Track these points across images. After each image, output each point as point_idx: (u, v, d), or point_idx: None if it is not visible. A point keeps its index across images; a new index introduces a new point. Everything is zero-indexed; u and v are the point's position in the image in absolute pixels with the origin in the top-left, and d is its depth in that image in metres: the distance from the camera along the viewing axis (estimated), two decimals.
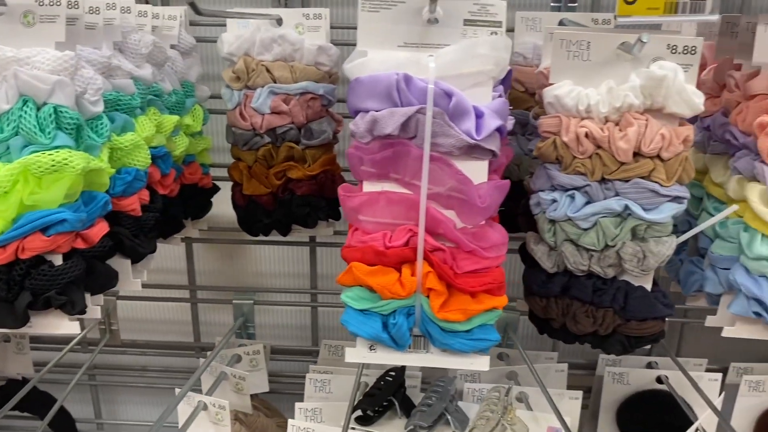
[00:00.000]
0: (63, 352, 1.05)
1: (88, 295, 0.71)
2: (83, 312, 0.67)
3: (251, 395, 1.07)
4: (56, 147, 0.62)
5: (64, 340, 1.11)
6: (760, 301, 0.68)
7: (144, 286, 1.17)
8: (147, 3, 0.90)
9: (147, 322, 1.31)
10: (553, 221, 0.67)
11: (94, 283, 0.70)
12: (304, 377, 1.00)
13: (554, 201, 0.66)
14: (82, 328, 1.16)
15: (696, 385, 0.93)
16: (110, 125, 0.69)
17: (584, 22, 0.89)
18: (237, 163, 0.92)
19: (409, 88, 0.59)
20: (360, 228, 0.63)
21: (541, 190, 0.67)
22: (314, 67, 0.88)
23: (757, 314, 0.68)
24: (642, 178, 0.63)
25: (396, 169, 0.61)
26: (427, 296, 0.62)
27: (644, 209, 0.64)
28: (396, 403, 0.93)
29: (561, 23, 0.89)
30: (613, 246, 0.66)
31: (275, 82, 0.86)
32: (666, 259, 0.66)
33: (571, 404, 0.99)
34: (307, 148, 0.89)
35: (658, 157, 0.63)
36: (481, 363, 0.64)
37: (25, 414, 1.14)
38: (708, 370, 1.07)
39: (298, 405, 0.94)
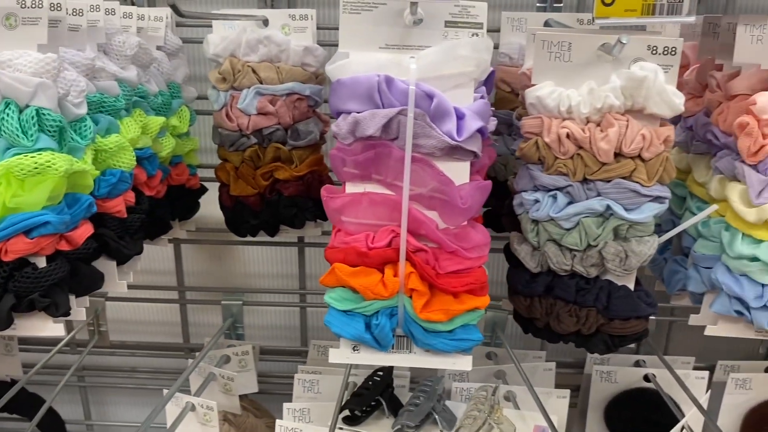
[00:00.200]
0: (51, 353, 1.05)
1: (72, 297, 0.71)
2: (67, 314, 0.67)
3: (240, 396, 1.07)
4: (39, 149, 0.62)
5: (53, 341, 1.11)
6: (741, 300, 0.68)
7: (133, 287, 1.17)
8: (133, 4, 0.90)
9: (136, 324, 1.31)
10: (536, 221, 0.68)
11: (78, 285, 0.70)
12: (293, 377, 1.00)
13: (537, 201, 0.66)
14: (70, 329, 1.16)
15: (682, 383, 0.94)
16: (94, 127, 0.69)
17: (570, 22, 0.90)
18: (224, 164, 0.92)
19: (390, 89, 0.59)
20: (343, 229, 0.63)
21: (524, 191, 0.68)
22: (300, 68, 0.88)
23: (739, 313, 0.69)
24: (623, 178, 0.63)
25: (378, 170, 0.61)
26: (410, 297, 0.62)
27: (626, 209, 0.64)
28: (384, 403, 0.93)
29: (546, 24, 0.90)
30: (596, 246, 0.66)
31: (261, 83, 0.86)
32: (648, 259, 0.66)
33: (559, 403, 1.00)
34: (293, 148, 0.89)
35: (639, 157, 0.63)
36: (464, 363, 0.65)
37: (14, 416, 1.14)
38: (695, 368, 1.08)
39: (286, 405, 0.94)
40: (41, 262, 0.65)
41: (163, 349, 1.29)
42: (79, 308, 0.72)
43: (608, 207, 0.64)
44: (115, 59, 0.77)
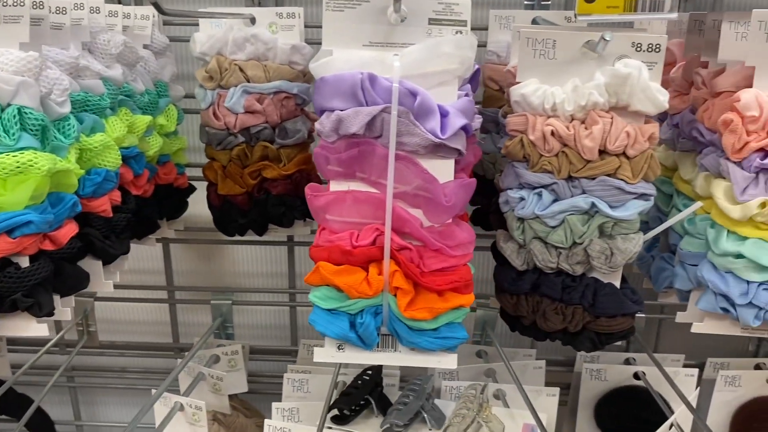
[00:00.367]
0: (39, 354, 1.05)
1: (57, 297, 0.70)
2: (51, 314, 0.67)
3: (231, 395, 1.07)
4: (21, 148, 0.61)
5: (41, 341, 1.10)
6: (726, 297, 0.68)
7: (122, 287, 1.17)
8: (120, 3, 0.90)
9: (125, 323, 1.30)
10: (521, 219, 0.68)
11: (63, 285, 0.70)
12: (283, 377, 1.00)
13: (522, 199, 0.66)
14: (58, 330, 1.16)
15: (671, 381, 0.94)
16: (78, 126, 0.69)
17: (557, 20, 0.90)
18: (211, 163, 0.91)
19: (373, 87, 0.59)
20: (327, 227, 0.63)
21: (510, 189, 0.68)
22: (288, 66, 0.87)
23: (725, 310, 0.69)
24: (608, 175, 0.63)
25: (362, 168, 0.61)
26: (394, 295, 0.62)
27: (610, 206, 0.64)
28: (372, 402, 0.93)
29: (534, 21, 0.89)
30: (581, 243, 0.66)
31: (249, 82, 0.86)
32: (633, 256, 0.66)
33: (548, 401, 1.00)
34: (281, 147, 0.89)
35: (624, 154, 0.63)
36: (449, 361, 0.64)
37: (2, 416, 1.13)
38: (685, 366, 1.08)
39: (275, 405, 0.94)
40: (24, 262, 0.64)
41: (152, 349, 1.29)
42: (64, 308, 0.71)
43: (593, 204, 0.64)
44: (100, 58, 0.77)
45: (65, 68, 0.69)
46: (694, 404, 0.88)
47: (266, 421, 0.88)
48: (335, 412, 0.90)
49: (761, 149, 0.62)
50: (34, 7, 0.64)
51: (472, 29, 0.99)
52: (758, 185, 0.63)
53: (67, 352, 1.25)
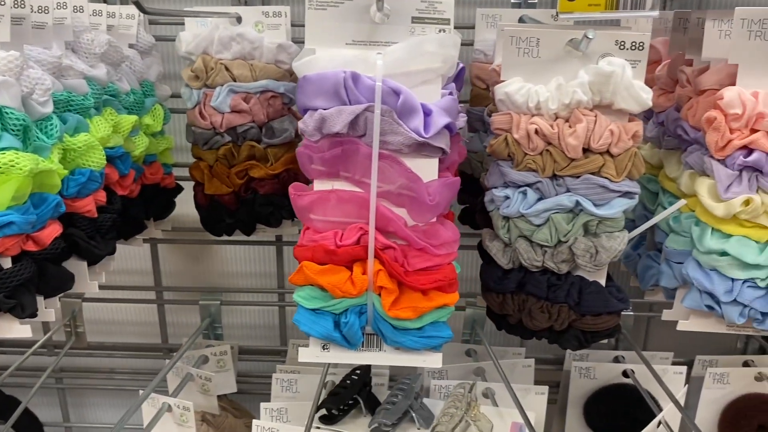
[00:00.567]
0: (26, 355, 1.04)
1: (41, 298, 0.70)
2: (34, 315, 0.66)
3: (220, 396, 1.07)
4: (2, 149, 0.61)
5: (29, 343, 1.10)
6: (711, 295, 0.68)
7: (110, 287, 1.17)
8: (105, 2, 0.89)
9: (114, 324, 1.30)
10: (506, 218, 0.67)
11: (46, 286, 0.70)
12: (272, 377, 1.00)
13: (507, 198, 0.66)
14: (46, 331, 1.15)
15: (659, 379, 0.94)
16: (62, 126, 0.69)
17: (544, 18, 0.90)
18: (198, 163, 0.91)
19: (356, 86, 0.58)
20: (311, 227, 0.63)
21: (495, 187, 0.68)
22: (274, 66, 0.87)
23: (710, 307, 0.69)
24: (592, 173, 0.63)
25: (346, 167, 0.61)
26: (379, 294, 0.62)
27: (595, 205, 0.64)
28: (361, 402, 0.93)
29: (521, 20, 0.90)
30: (566, 242, 0.66)
31: (235, 81, 0.85)
32: (618, 254, 0.66)
33: (537, 399, 1.00)
34: (268, 146, 0.89)
35: (608, 152, 0.63)
36: (434, 360, 0.64)
37: None
38: (674, 363, 1.08)
39: (263, 405, 0.94)
40: (6, 263, 0.64)
41: (141, 350, 1.28)
42: (48, 309, 0.71)
43: (577, 203, 0.64)
44: (84, 57, 0.77)
45: (47, 68, 0.68)
46: (682, 402, 0.88)
47: (254, 421, 0.88)
48: (323, 411, 0.90)
49: (744, 147, 0.63)
50: (15, 6, 0.63)
51: (460, 28, 0.99)
52: (741, 183, 0.63)
53: (55, 353, 1.24)
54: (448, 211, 0.67)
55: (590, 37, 0.58)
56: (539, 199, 0.65)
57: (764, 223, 0.65)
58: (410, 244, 0.62)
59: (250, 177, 0.90)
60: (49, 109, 0.66)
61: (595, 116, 0.62)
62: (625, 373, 1.08)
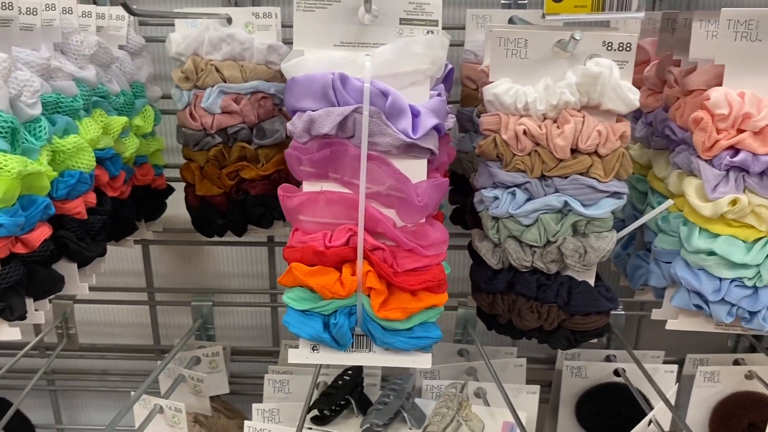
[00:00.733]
0: (17, 357, 1.04)
1: (30, 301, 0.70)
2: (23, 318, 0.66)
3: (212, 397, 1.07)
4: None
5: (20, 345, 1.09)
6: (700, 294, 0.69)
7: (101, 289, 1.16)
8: (95, 3, 0.89)
9: (105, 326, 1.29)
10: (496, 218, 0.68)
11: (36, 288, 0.69)
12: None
13: (496, 198, 0.67)
14: (37, 333, 1.15)
15: (649, 377, 0.94)
16: (50, 128, 0.68)
17: (534, 19, 0.90)
18: (189, 164, 0.91)
19: (345, 87, 0.59)
20: (301, 228, 0.63)
21: (484, 188, 0.68)
22: (265, 66, 0.87)
23: (698, 307, 0.69)
24: (580, 174, 0.64)
25: (335, 168, 0.61)
26: (368, 295, 0.62)
27: (583, 205, 0.64)
28: (353, 402, 0.93)
29: (511, 21, 0.90)
30: (555, 242, 0.66)
31: (225, 82, 0.85)
32: (607, 254, 0.66)
33: (529, 399, 1.00)
34: (259, 147, 0.89)
35: (596, 153, 0.63)
36: (424, 361, 0.64)
37: None
38: (665, 362, 1.09)
39: (255, 406, 0.94)
40: None
41: (133, 351, 1.28)
42: (38, 311, 0.71)
43: (566, 203, 0.64)
44: (73, 59, 0.76)
45: (36, 69, 0.68)
46: (673, 400, 0.88)
47: (246, 422, 0.88)
48: (315, 412, 0.90)
49: (731, 147, 0.63)
50: (3, 8, 0.63)
51: (450, 28, 1.00)
52: (728, 183, 0.64)
53: (46, 354, 1.24)
54: (438, 212, 0.67)
55: (577, 38, 0.58)
56: (528, 200, 0.66)
57: (751, 222, 0.65)
58: (399, 244, 0.62)
59: (241, 178, 0.90)
60: (37, 111, 0.66)
61: (583, 117, 0.62)
62: (616, 372, 1.08)
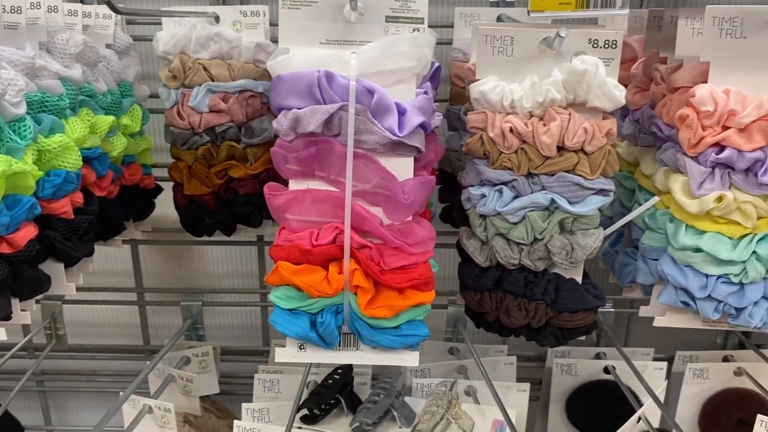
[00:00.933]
0: (5, 358, 1.03)
1: (16, 301, 0.69)
2: (8, 318, 0.66)
3: (203, 397, 1.06)
4: None
5: (8, 346, 1.08)
6: (686, 291, 0.69)
7: (91, 289, 1.16)
8: (82, 2, 0.88)
9: (95, 326, 1.29)
10: (483, 216, 0.68)
11: (21, 288, 0.69)
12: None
13: (483, 196, 0.67)
14: (26, 333, 1.14)
15: (639, 375, 0.95)
16: (36, 127, 0.68)
17: (522, 17, 0.90)
18: (177, 163, 0.90)
19: (331, 85, 0.58)
20: (287, 227, 0.63)
21: (471, 186, 0.68)
22: (253, 65, 0.87)
23: (685, 303, 0.70)
24: (567, 171, 0.64)
25: (321, 166, 0.61)
26: (355, 294, 0.62)
27: (570, 202, 0.64)
28: (342, 401, 0.93)
29: (499, 19, 0.90)
30: (542, 239, 0.66)
31: (213, 81, 0.85)
32: (594, 252, 0.66)
33: (519, 396, 1.00)
34: (248, 146, 0.88)
35: (582, 150, 0.63)
36: (411, 359, 0.64)
37: None
38: (655, 359, 1.09)
39: (244, 405, 0.93)
40: None
41: (122, 352, 1.28)
42: (24, 312, 0.71)
43: (553, 200, 0.64)
44: (59, 58, 0.76)
45: (21, 68, 0.68)
46: (662, 397, 0.89)
47: (235, 422, 0.87)
48: (305, 411, 0.90)
49: (716, 144, 0.63)
50: None
51: (438, 26, 1.00)
52: (714, 179, 0.64)
53: (35, 355, 1.24)
54: (425, 210, 0.67)
55: (563, 35, 0.58)
56: (515, 197, 0.66)
57: (737, 219, 0.65)
58: (386, 243, 0.62)
59: (230, 177, 0.89)
60: (22, 110, 0.65)
61: (569, 114, 0.62)
62: (606, 370, 1.08)
